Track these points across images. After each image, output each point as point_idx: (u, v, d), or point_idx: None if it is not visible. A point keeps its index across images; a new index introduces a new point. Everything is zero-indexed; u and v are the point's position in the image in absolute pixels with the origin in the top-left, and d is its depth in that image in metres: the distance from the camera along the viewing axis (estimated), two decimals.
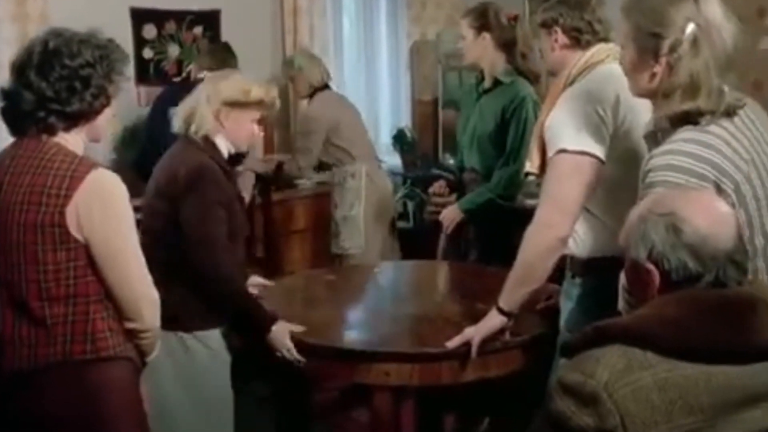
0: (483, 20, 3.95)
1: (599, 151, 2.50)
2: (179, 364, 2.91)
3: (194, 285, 2.86)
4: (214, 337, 2.98)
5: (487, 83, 4.03)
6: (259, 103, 3.03)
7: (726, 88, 2.11)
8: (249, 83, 3.03)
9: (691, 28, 2.06)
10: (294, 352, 2.83)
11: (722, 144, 2.06)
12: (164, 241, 2.90)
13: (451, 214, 4.02)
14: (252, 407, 3.35)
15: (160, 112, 4.36)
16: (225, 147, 3.02)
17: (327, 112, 4.99)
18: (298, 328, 2.85)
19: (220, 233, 2.87)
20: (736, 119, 2.11)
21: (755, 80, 4.64)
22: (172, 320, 2.67)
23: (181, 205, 2.86)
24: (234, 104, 2.97)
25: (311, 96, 5.07)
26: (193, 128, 2.96)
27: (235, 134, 3.02)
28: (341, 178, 5.00)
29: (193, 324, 2.92)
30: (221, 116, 2.96)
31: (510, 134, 3.85)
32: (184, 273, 2.86)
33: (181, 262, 2.85)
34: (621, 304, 1.97)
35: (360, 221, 4.95)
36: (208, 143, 2.97)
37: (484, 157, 4.00)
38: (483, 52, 3.97)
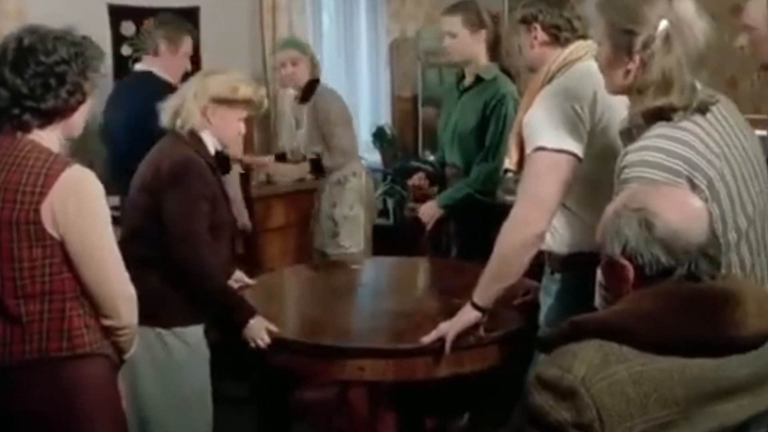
0: (478, 18, 3.98)
1: (577, 149, 2.51)
2: (157, 360, 2.90)
3: (174, 280, 2.85)
4: (192, 333, 2.97)
5: (468, 80, 4.05)
6: (246, 102, 3.03)
7: (698, 85, 2.13)
8: (238, 81, 3.03)
9: (663, 24, 2.08)
10: (267, 340, 2.84)
11: (695, 140, 2.09)
12: (144, 237, 2.89)
13: (430, 210, 4.03)
14: (230, 405, 3.35)
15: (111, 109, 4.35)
16: (211, 143, 3.02)
17: (342, 103, 4.86)
18: (274, 328, 2.85)
19: (203, 228, 2.87)
20: (708, 115, 2.14)
21: (731, 77, 4.68)
22: (150, 316, 2.66)
23: (164, 199, 2.85)
24: (222, 101, 2.98)
25: (310, 88, 4.78)
26: (179, 122, 2.95)
27: (222, 131, 3.02)
28: (341, 177, 4.81)
29: (172, 320, 2.91)
30: (208, 112, 2.97)
31: (489, 130, 3.87)
32: (163, 268, 2.85)
33: (161, 258, 2.84)
34: (598, 300, 1.98)
35: (361, 220, 4.83)
36: (195, 138, 2.97)
37: (465, 153, 4.02)
38: (478, 50, 4.00)
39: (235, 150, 3.89)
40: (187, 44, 4.40)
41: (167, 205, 2.84)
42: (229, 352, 3.04)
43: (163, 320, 2.88)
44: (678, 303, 1.68)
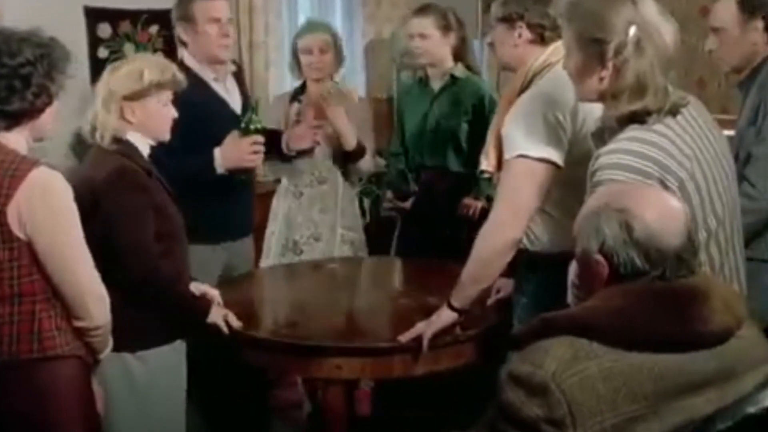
0: (448, 21, 4.03)
1: (557, 158, 2.52)
2: (123, 385, 2.76)
3: (132, 300, 2.65)
4: (156, 355, 2.80)
5: (441, 81, 4.11)
6: (159, 86, 2.80)
7: (670, 87, 2.15)
8: (139, 68, 2.79)
9: (633, 30, 2.10)
10: (225, 329, 2.84)
11: (666, 142, 2.11)
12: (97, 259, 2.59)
13: (474, 202, 4.02)
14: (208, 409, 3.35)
15: None
16: (143, 144, 2.83)
17: None
18: (232, 316, 2.86)
19: (150, 238, 2.72)
20: (679, 117, 2.16)
21: (699, 78, 4.72)
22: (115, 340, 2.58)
23: (104, 217, 2.64)
24: (132, 96, 2.77)
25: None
26: (98, 136, 2.76)
27: (147, 126, 2.81)
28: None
29: (135, 342, 2.74)
30: (126, 114, 2.76)
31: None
32: (120, 290, 2.59)
33: (116, 279, 2.58)
34: (570, 298, 2.00)
35: None
36: (122, 144, 2.78)
37: (454, 153, 4.08)
38: (445, 52, 4.07)
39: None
40: (204, 10, 3.49)
41: (108, 221, 2.65)
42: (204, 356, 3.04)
43: (126, 343, 2.68)
44: (647, 300, 1.71)
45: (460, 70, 4.09)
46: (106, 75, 2.83)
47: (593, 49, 2.16)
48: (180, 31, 3.59)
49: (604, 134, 2.21)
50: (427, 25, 4.02)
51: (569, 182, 2.48)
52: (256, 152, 3.38)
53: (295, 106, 4.05)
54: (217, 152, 3.34)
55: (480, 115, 4.03)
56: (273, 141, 3.67)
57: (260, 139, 3.39)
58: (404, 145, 4.27)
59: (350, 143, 3.89)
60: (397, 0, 6.38)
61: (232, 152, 3.35)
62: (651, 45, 2.11)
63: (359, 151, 3.94)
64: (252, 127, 3.39)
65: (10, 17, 4.04)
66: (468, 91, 4.07)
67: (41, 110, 2.37)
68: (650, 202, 1.76)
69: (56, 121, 2.48)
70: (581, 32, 2.19)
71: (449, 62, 4.09)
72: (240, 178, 3.43)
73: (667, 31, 2.14)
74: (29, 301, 2.33)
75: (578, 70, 2.23)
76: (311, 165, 3.96)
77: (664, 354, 1.67)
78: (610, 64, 2.14)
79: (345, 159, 3.98)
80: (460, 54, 4.10)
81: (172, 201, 2.89)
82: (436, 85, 4.14)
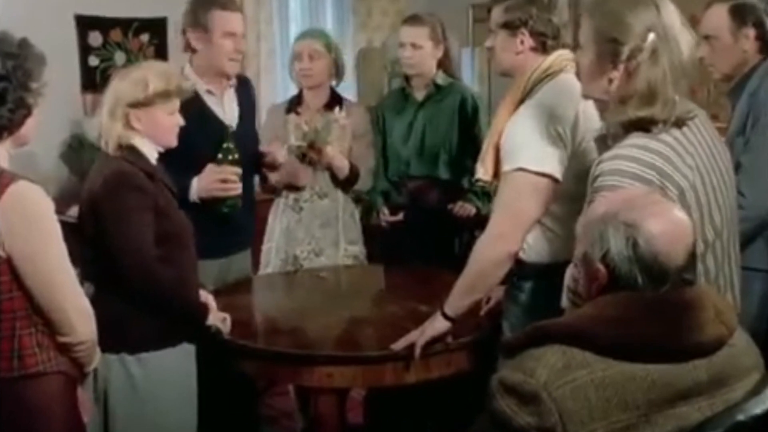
0: (437, 33, 4.04)
1: (557, 172, 2.50)
2: (125, 390, 2.75)
3: (134, 302, 2.69)
4: (157, 359, 2.78)
5: (425, 91, 4.13)
6: (165, 95, 2.78)
7: (677, 99, 2.14)
8: (146, 77, 2.76)
9: (651, 37, 2.09)
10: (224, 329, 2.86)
11: (669, 151, 2.10)
12: (97, 261, 2.74)
13: (467, 209, 4.03)
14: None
15: None
16: (150, 149, 2.81)
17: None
18: (229, 320, 2.88)
19: (148, 239, 2.70)
20: (685, 128, 2.15)
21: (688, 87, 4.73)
22: (114, 340, 2.59)
23: (102, 218, 2.67)
24: (138, 104, 2.74)
25: (333, 95, 4.01)
26: (103, 144, 2.75)
27: (153, 133, 2.79)
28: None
29: (136, 344, 2.74)
30: (131, 121, 2.74)
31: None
32: (121, 291, 2.68)
33: (117, 280, 2.67)
34: (564, 302, 1.99)
35: None
36: (128, 150, 2.76)
37: (443, 161, 4.08)
38: (433, 64, 4.08)
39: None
40: (221, 23, 3.43)
41: (105, 223, 2.66)
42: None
43: (127, 344, 2.72)
44: (641, 310, 1.71)
45: (441, 77, 4.11)
46: (113, 82, 2.79)
47: (608, 48, 2.15)
48: (192, 38, 3.48)
49: (607, 139, 2.20)
50: (421, 35, 4.02)
51: (567, 196, 2.48)
52: (225, 181, 3.31)
53: (292, 116, 3.97)
54: (195, 181, 3.31)
55: (464, 117, 4.05)
56: (259, 164, 3.68)
57: (233, 170, 3.33)
58: (385, 156, 4.24)
59: (342, 173, 3.89)
60: (388, 9, 6.42)
61: (202, 181, 3.31)
62: (667, 54, 2.10)
63: (352, 178, 3.90)
64: (221, 156, 3.35)
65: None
66: (452, 95, 4.10)
67: (21, 123, 2.30)
68: (660, 219, 1.74)
69: (46, 130, 2.45)
70: (599, 29, 2.18)
71: (433, 73, 4.11)
72: (222, 211, 3.36)
73: (685, 43, 2.13)
74: (9, 318, 2.27)
75: (590, 68, 2.22)
76: (312, 179, 3.92)
77: (656, 364, 1.67)
78: (621, 67, 2.13)
79: (339, 185, 3.94)
80: (441, 66, 4.11)
81: (176, 205, 2.87)
82: (419, 95, 4.15)
